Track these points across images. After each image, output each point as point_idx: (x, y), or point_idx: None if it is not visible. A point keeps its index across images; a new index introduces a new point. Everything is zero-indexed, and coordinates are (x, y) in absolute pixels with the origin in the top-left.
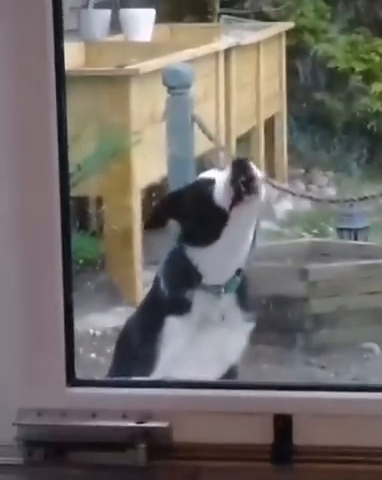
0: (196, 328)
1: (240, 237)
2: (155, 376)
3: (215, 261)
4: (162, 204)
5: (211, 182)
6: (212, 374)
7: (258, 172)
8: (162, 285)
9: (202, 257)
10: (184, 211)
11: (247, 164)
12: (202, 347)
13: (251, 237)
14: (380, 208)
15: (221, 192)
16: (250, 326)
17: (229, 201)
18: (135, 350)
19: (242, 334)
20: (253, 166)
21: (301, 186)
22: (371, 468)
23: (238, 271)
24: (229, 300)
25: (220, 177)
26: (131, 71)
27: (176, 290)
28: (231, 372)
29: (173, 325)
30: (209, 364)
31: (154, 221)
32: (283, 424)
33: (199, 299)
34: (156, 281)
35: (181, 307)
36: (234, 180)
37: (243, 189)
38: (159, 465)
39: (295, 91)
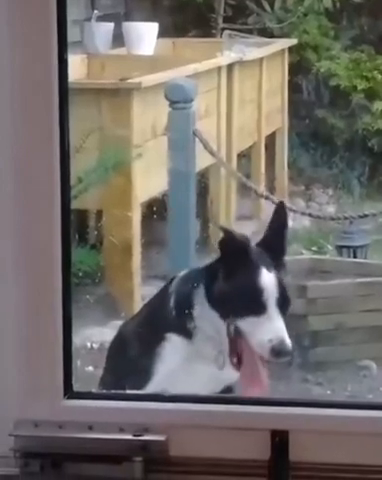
0: (195, 354)
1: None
2: (148, 389)
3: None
4: (242, 241)
5: (258, 270)
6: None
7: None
8: (172, 303)
9: (211, 318)
10: (236, 275)
11: (287, 354)
12: (198, 369)
13: None
14: (380, 226)
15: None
16: None
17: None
18: (131, 360)
19: None
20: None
21: (301, 203)
22: None
23: None
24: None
25: (265, 323)
26: (133, 85)
27: (185, 316)
28: (226, 391)
29: (174, 342)
30: (203, 385)
31: (226, 244)
32: (280, 440)
33: (202, 333)
34: (164, 296)
35: (185, 331)
36: (267, 355)
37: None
38: (155, 479)
39: (297, 108)
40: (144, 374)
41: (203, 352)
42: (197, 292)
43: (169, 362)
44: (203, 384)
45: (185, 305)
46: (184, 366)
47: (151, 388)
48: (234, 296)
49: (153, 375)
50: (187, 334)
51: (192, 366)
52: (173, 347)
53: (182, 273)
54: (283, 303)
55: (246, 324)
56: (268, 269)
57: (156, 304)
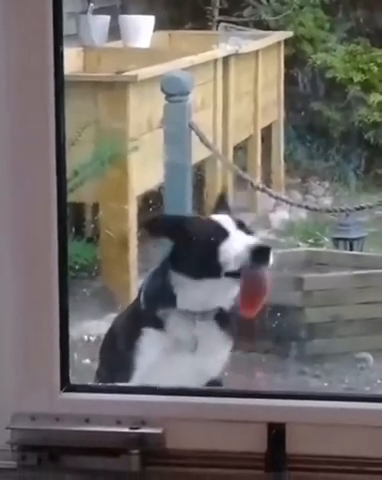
0: (171, 345)
1: (225, 292)
2: (133, 383)
3: (194, 295)
4: (163, 220)
5: (224, 235)
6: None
7: (271, 263)
8: (141, 297)
9: (182, 285)
10: (184, 237)
11: (267, 256)
12: (179, 362)
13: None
14: (376, 218)
15: (228, 258)
16: (229, 345)
17: (227, 269)
18: (116, 355)
19: (221, 353)
20: (271, 259)
21: (297, 195)
22: (364, 478)
23: (218, 308)
24: (207, 326)
25: (236, 239)
26: (129, 77)
27: (151, 306)
28: (211, 384)
29: (149, 336)
30: (187, 377)
31: (150, 228)
32: (277, 432)
33: (172, 320)
34: (139, 292)
35: (156, 323)
36: (247, 259)
37: (250, 275)
38: (152, 471)
39: (293, 100)
40: (128, 368)
41: (178, 340)
42: (161, 281)
43: (148, 356)
44: (182, 375)
45: (153, 297)
46: (163, 358)
47: (135, 381)
48: (197, 243)
49: (135, 369)
50: (159, 325)
51: (170, 357)
52: (150, 340)
53: (151, 269)
54: (241, 226)
55: (222, 257)
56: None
57: (135, 301)
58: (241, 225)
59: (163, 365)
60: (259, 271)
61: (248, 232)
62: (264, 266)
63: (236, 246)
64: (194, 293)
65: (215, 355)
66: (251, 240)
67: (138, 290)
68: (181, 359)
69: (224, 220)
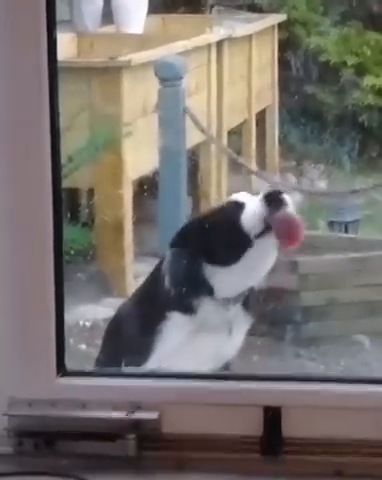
0: (198, 329)
1: (260, 263)
2: (147, 367)
3: (231, 281)
4: (191, 225)
5: (241, 206)
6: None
7: (291, 206)
8: (167, 283)
9: (219, 276)
10: (209, 230)
11: (282, 198)
12: (200, 345)
13: (271, 264)
14: (371, 201)
15: (249, 219)
16: (248, 326)
17: (256, 231)
18: (128, 340)
19: (240, 335)
20: (288, 200)
21: (292, 179)
22: (360, 460)
23: (251, 288)
24: (236, 310)
25: (251, 203)
26: (123, 63)
27: (184, 295)
28: (225, 368)
29: (176, 320)
30: (204, 361)
31: (180, 245)
32: (272, 416)
33: (206, 308)
34: (158, 276)
35: (186, 309)
36: (265, 212)
37: (272, 221)
38: (148, 456)
39: (287, 84)
40: (144, 353)
41: (208, 325)
42: (195, 273)
43: (170, 340)
44: (207, 358)
45: (183, 283)
46: (187, 341)
47: (150, 365)
48: (221, 229)
49: (153, 353)
50: (189, 310)
51: (196, 341)
52: (175, 325)
53: (169, 252)
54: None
55: (245, 226)
56: None
57: (151, 285)
58: (269, 195)
59: (184, 348)
60: (283, 214)
61: (277, 199)
62: (283, 209)
63: (253, 208)
64: (231, 280)
65: (238, 336)
66: (264, 191)
67: (154, 274)
68: (206, 341)
69: (239, 196)
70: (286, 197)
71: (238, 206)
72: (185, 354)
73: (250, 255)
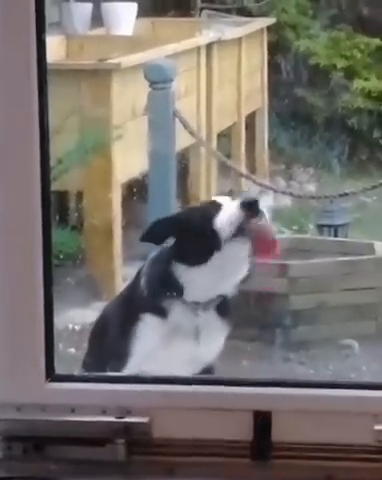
0: (171, 332)
1: (229, 268)
2: (127, 370)
3: (200, 283)
4: (164, 222)
5: (218, 208)
6: (185, 373)
7: (266, 216)
8: (142, 283)
9: (188, 276)
10: (183, 228)
11: (258, 207)
12: (176, 348)
13: (242, 273)
14: (360, 205)
15: (223, 222)
16: (225, 332)
17: (227, 234)
18: (109, 342)
19: (218, 341)
20: (263, 210)
21: (282, 182)
22: (350, 465)
23: (221, 296)
24: (207, 317)
25: (228, 207)
26: (113, 65)
27: (155, 295)
28: (206, 371)
29: (148, 322)
30: (182, 364)
31: (150, 238)
32: (262, 421)
33: (176, 310)
34: (137, 277)
35: (158, 310)
36: (240, 218)
37: (245, 228)
38: (138, 460)
39: (277, 87)
40: (122, 355)
41: (180, 328)
42: (166, 272)
43: (145, 342)
44: (182, 362)
45: (157, 286)
46: (161, 344)
47: (130, 368)
48: (195, 228)
49: (131, 356)
50: (161, 312)
51: (169, 344)
52: (148, 326)
53: (152, 254)
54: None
55: (217, 224)
56: None
57: (131, 287)
58: (246, 203)
59: (159, 351)
60: (260, 224)
61: (253, 207)
62: (256, 217)
63: (229, 211)
64: (200, 281)
65: (213, 343)
66: (241, 198)
67: (135, 277)
68: (178, 346)
69: (219, 198)
70: (259, 206)
71: (215, 207)
72: (160, 359)
73: (219, 257)
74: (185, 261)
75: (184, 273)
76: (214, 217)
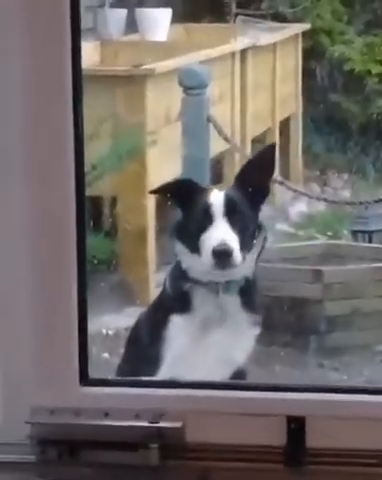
0: (200, 328)
1: None
2: (160, 375)
3: (197, 265)
4: (176, 183)
5: (209, 222)
6: (217, 376)
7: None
8: (167, 285)
9: (184, 254)
10: (187, 206)
11: (228, 260)
12: (207, 349)
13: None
14: None
15: (204, 253)
16: (255, 331)
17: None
18: (143, 349)
19: (247, 338)
20: (236, 260)
21: (316, 188)
22: None
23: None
24: (232, 302)
25: (214, 234)
26: (147, 71)
27: (175, 287)
28: (238, 375)
29: (176, 323)
30: (214, 366)
31: (161, 189)
32: (296, 426)
33: (198, 297)
34: (164, 282)
35: (183, 305)
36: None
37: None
38: (171, 465)
39: (311, 93)
40: (155, 360)
41: (207, 322)
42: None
43: (176, 343)
44: (213, 361)
45: (177, 282)
46: (192, 343)
47: (164, 372)
48: (193, 217)
49: (164, 360)
50: (185, 307)
51: (199, 341)
52: (177, 327)
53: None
54: (232, 214)
55: (202, 242)
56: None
57: (160, 293)
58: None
59: (191, 353)
60: None
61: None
62: (226, 270)
63: (209, 243)
64: (196, 264)
65: (241, 337)
66: (218, 239)
67: (164, 282)
68: (209, 345)
69: (217, 204)
70: (231, 260)
71: (208, 217)
72: (193, 361)
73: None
74: (180, 239)
75: (180, 250)
76: (204, 230)
